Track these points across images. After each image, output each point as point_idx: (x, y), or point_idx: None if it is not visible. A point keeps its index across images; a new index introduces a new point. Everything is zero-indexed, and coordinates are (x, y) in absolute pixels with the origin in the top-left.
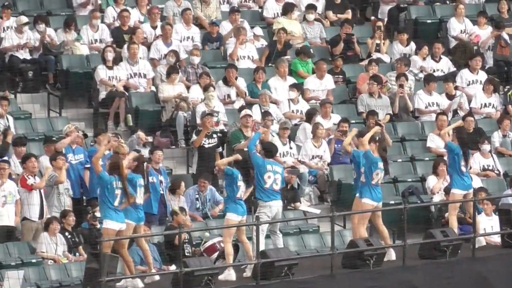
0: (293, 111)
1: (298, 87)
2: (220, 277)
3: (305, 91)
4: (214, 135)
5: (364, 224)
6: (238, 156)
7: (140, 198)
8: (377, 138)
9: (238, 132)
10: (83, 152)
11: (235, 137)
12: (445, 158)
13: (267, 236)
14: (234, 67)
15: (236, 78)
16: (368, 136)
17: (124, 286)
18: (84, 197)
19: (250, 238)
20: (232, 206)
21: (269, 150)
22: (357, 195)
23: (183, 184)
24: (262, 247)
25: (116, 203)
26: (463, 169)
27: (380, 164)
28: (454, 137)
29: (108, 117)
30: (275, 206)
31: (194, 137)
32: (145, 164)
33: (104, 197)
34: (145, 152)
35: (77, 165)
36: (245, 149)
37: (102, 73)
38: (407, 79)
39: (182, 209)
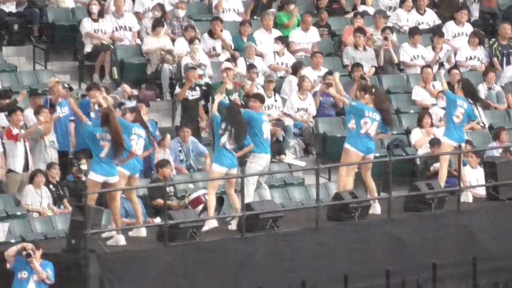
0: (278, 63)
1: (283, 40)
2: (203, 229)
3: (291, 43)
4: (197, 88)
5: (351, 176)
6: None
7: (138, 149)
8: (373, 90)
9: (218, 85)
10: (68, 105)
11: (216, 90)
12: (430, 110)
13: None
14: (220, 19)
15: (221, 31)
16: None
17: (109, 236)
18: (70, 150)
19: (234, 191)
20: (217, 156)
21: (262, 99)
22: (346, 145)
23: (168, 136)
24: (250, 199)
25: (102, 155)
26: (456, 120)
27: (369, 113)
28: (459, 89)
29: (93, 70)
30: (266, 159)
31: (178, 89)
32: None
33: (91, 148)
34: (131, 105)
35: (63, 118)
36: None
37: (87, 26)
38: (392, 32)
39: (166, 161)
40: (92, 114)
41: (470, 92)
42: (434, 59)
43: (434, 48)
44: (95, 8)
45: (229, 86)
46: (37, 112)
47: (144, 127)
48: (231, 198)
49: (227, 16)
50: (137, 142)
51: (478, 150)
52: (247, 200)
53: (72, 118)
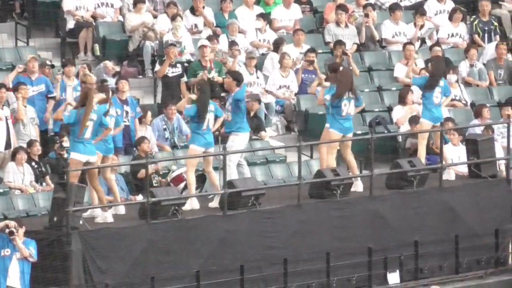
0: (260, 40)
1: (264, 16)
2: (184, 207)
3: (273, 20)
4: (178, 65)
5: (333, 154)
6: (203, 77)
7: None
8: (340, 68)
9: (196, 64)
10: (45, 82)
11: (193, 69)
12: (412, 88)
13: None
14: None
15: (203, 8)
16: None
17: (90, 216)
18: (51, 127)
19: (216, 169)
20: (195, 137)
21: (239, 79)
22: (327, 125)
23: (149, 113)
24: (233, 177)
25: (87, 135)
26: (436, 100)
27: (346, 95)
28: (432, 67)
29: (76, 46)
30: (248, 136)
31: (158, 66)
32: (110, 93)
33: (74, 128)
34: (112, 82)
35: (38, 95)
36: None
37: (69, 3)
38: (374, 9)
39: (142, 138)
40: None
41: (438, 73)
42: (415, 36)
43: (416, 25)
44: None
45: (207, 64)
46: (15, 90)
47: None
48: (210, 176)
49: None
50: (109, 121)
51: (460, 128)
52: (230, 177)
53: (51, 95)
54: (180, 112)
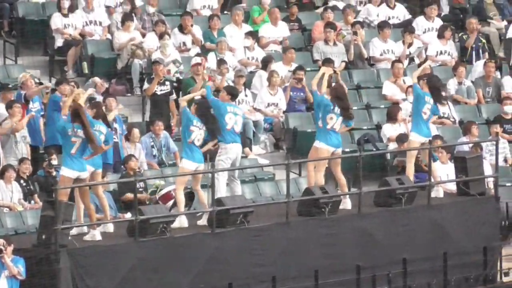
0: (248, 58)
1: (253, 34)
2: (173, 225)
3: (261, 38)
4: (167, 82)
5: (321, 171)
6: (204, 91)
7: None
8: (333, 84)
9: (189, 80)
10: (39, 100)
11: (187, 85)
12: (401, 105)
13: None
14: (190, 14)
15: (191, 26)
16: (325, 82)
17: (78, 233)
18: (41, 145)
19: (205, 186)
20: (187, 153)
21: (233, 93)
22: (315, 142)
23: (135, 130)
24: (222, 192)
25: (73, 151)
26: (424, 116)
27: (333, 109)
28: (423, 84)
29: (64, 64)
30: (235, 148)
31: (146, 85)
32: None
33: (63, 144)
34: (100, 99)
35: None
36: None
37: (57, 21)
38: (362, 27)
39: (129, 156)
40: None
41: (435, 89)
42: (404, 54)
43: (404, 43)
44: (66, 3)
45: (200, 81)
46: (9, 107)
47: (105, 123)
48: (198, 194)
49: (203, 12)
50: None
51: (449, 145)
52: (220, 194)
53: (42, 113)
54: (169, 131)
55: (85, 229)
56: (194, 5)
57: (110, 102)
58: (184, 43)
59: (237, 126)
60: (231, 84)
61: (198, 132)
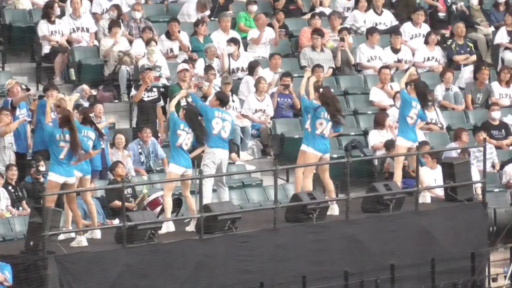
0: (233, 69)
1: (235, 41)
2: (161, 230)
3: (251, 41)
4: (154, 89)
5: (310, 177)
6: (186, 91)
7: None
8: (321, 90)
9: (175, 87)
10: (26, 107)
11: (172, 92)
12: (388, 111)
13: (213, 190)
14: (177, 21)
15: (178, 32)
16: (311, 88)
17: (63, 239)
18: (28, 151)
19: (192, 192)
20: (174, 157)
21: (222, 100)
22: (302, 146)
23: (122, 137)
24: (208, 201)
25: (61, 156)
26: (410, 121)
27: (324, 114)
28: (411, 89)
29: (52, 71)
30: (220, 154)
31: (134, 91)
32: (92, 116)
33: (51, 149)
34: (86, 105)
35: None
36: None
37: (44, 28)
38: (349, 33)
39: (116, 163)
40: (52, 115)
41: (422, 95)
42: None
43: (392, 49)
44: (57, 10)
45: (186, 86)
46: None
47: (94, 128)
48: (188, 200)
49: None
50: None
51: (438, 151)
52: (206, 199)
53: (29, 119)
54: (156, 137)
55: (72, 234)
56: (190, 10)
57: (98, 109)
58: (171, 50)
59: (225, 132)
60: (218, 90)
61: (185, 136)
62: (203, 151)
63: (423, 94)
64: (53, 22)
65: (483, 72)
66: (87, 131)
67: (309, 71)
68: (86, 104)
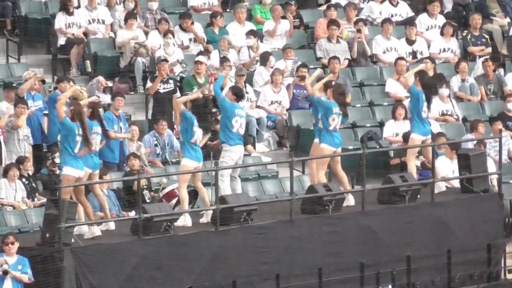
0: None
1: (255, 33)
2: (177, 223)
3: (266, 32)
4: (170, 81)
5: (323, 170)
6: (199, 94)
7: (96, 146)
8: (332, 83)
9: (191, 79)
10: (42, 98)
11: (188, 83)
12: (405, 103)
13: None
14: (188, 16)
15: (192, 24)
16: (318, 85)
17: (77, 232)
18: (44, 144)
19: (209, 184)
20: (188, 152)
21: (239, 94)
22: (316, 140)
23: (134, 127)
24: (226, 192)
25: (76, 150)
26: (424, 114)
27: (336, 109)
28: (417, 82)
29: (68, 63)
30: (239, 151)
31: (149, 83)
32: (100, 110)
33: (66, 144)
34: (106, 98)
35: (36, 111)
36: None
37: (61, 20)
38: (365, 24)
39: (130, 155)
40: (64, 107)
41: (426, 87)
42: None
43: (407, 41)
44: (75, 2)
45: (201, 80)
46: (15, 105)
47: (99, 123)
48: (200, 192)
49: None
50: (95, 139)
51: (451, 142)
52: (223, 193)
53: (46, 112)
54: (172, 129)
55: (84, 230)
56: (192, 2)
57: (119, 102)
58: (182, 42)
59: (242, 129)
60: (233, 81)
61: (199, 133)
62: (209, 139)
63: (428, 87)
64: (71, 14)
65: (487, 64)
66: (96, 127)
67: (321, 71)
68: (103, 96)
